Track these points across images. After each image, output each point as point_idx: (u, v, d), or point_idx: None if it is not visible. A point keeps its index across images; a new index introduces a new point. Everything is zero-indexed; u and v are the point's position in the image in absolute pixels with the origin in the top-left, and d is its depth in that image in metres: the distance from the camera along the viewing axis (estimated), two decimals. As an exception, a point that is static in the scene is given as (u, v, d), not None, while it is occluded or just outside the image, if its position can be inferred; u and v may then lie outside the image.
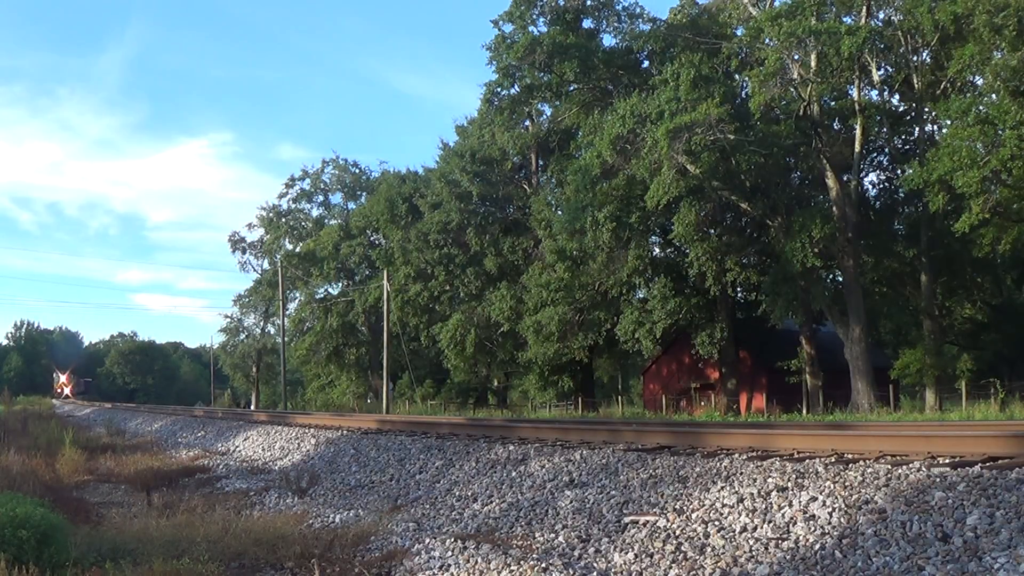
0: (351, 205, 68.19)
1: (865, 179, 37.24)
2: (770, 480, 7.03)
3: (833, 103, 34.58)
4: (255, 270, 77.14)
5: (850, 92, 33.13)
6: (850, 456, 7.51)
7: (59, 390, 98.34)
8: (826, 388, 34.68)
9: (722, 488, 7.20)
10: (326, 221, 68.98)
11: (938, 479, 6.10)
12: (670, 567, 6.02)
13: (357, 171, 68.74)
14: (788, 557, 5.68)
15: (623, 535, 6.92)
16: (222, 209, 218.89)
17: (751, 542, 6.07)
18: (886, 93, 35.99)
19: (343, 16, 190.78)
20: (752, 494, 6.82)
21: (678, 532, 6.64)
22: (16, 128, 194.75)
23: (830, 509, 6.11)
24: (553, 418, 29.77)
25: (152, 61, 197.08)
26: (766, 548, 5.90)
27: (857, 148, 32.67)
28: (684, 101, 29.93)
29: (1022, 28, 25.53)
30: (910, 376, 33.20)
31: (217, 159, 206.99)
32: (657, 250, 40.50)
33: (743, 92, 34.44)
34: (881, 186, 39.25)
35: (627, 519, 7.23)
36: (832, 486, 6.50)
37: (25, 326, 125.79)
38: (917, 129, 35.18)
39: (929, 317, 34.20)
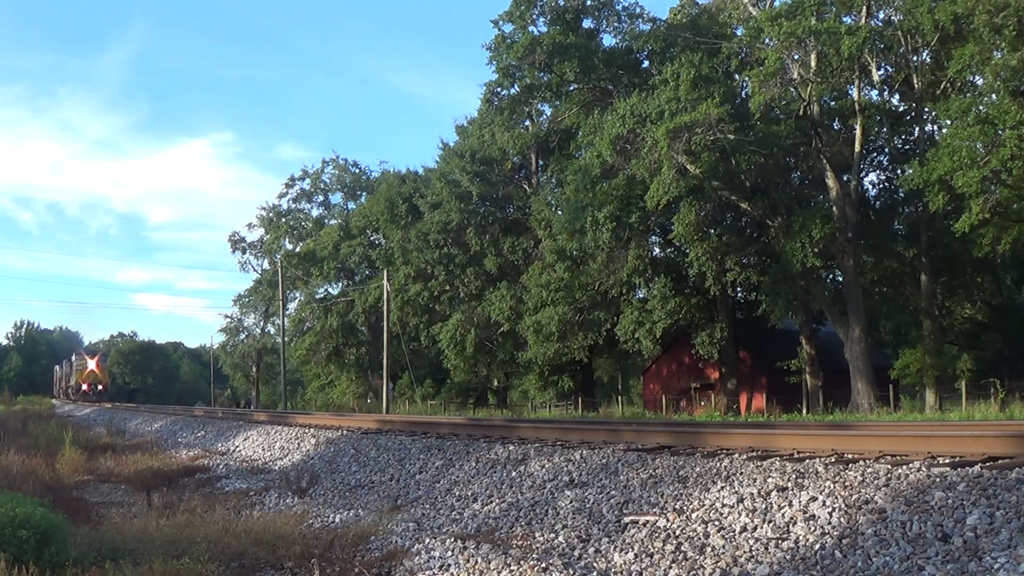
0: (351, 205, 68.35)
1: (865, 179, 37.29)
2: (770, 480, 7.02)
3: (833, 103, 34.59)
4: (255, 270, 77.29)
5: (850, 92, 33.13)
6: (850, 456, 7.50)
7: (83, 384, 69.71)
8: (826, 388, 34.68)
9: (722, 488, 7.20)
10: (326, 221, 69.05)
11: (938, 479, 6.10)
12: (670, 567, 6.02)
13: (357, 171, 68.95)
14: (788, 557, 5.68)
15: (623, 535, 6.92)
16: (222, 209, 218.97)
17: (751, 542, 6.06)
18: (886, 93, 36.02)
19: (343, 16, 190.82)
20: (752, 494, 6.82)
21: (678, 532, 6.63)
22: (17, 128, 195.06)
23: (830, 509, 6.11)
24: (553, 418, 29.73)
25: (153, 61, 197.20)
26: (766, 548, 5.90)
27: (857, 148, 32.66)
28: (684, 101, 29.94)
29: (1022, 28, 25.53)
30: (910, 376, 33.19)
31: (218, 159, 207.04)
32: (657, 250, 40.50)
33: (743, 92, 34.42)
34: (881, 186, 39.32)
35: (627, 519, 7.23)
36: (832, 486, 6.49)
37: (25, 326, 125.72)
38: (917, 129, 35.19)
39: (929, 317, 34.19)
